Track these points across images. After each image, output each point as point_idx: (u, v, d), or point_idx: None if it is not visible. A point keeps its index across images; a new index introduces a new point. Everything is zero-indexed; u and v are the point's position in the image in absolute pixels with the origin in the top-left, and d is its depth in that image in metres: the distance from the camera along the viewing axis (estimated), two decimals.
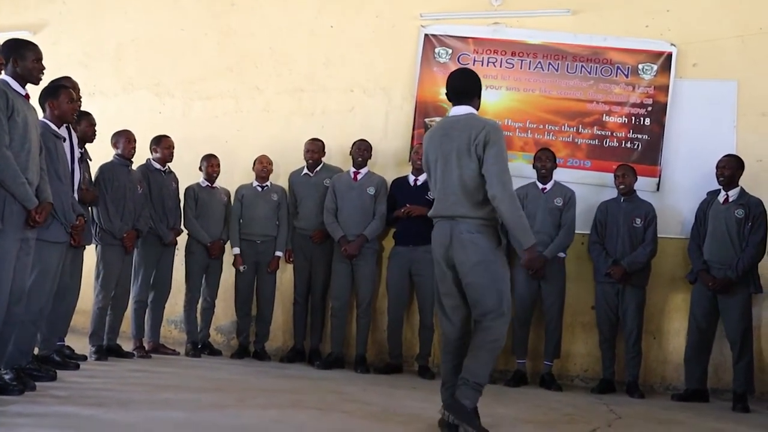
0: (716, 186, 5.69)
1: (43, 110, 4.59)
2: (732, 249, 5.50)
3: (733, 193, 5.59)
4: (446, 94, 4.03)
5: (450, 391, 3.82)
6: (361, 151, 6.33)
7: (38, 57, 4.23)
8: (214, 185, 6.58)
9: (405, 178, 6.30)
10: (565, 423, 4.41)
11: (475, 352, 3.73)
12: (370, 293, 6.27)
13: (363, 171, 6.33)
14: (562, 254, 5.96)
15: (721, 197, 5.64)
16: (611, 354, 5.87)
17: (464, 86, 3.97)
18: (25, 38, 4.37)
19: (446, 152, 3.83)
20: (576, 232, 6.05)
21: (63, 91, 4.65)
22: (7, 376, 4.16)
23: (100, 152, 5.94)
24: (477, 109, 3.96)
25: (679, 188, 6.14)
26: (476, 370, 3.69)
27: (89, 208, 5.60)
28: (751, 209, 5.51)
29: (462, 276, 3.78)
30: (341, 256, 6.19)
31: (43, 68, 4.28)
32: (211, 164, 6.53)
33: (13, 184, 3.91)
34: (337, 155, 6.71)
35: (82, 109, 5.47)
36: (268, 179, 6.60)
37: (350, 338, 6.40)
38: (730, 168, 5.60)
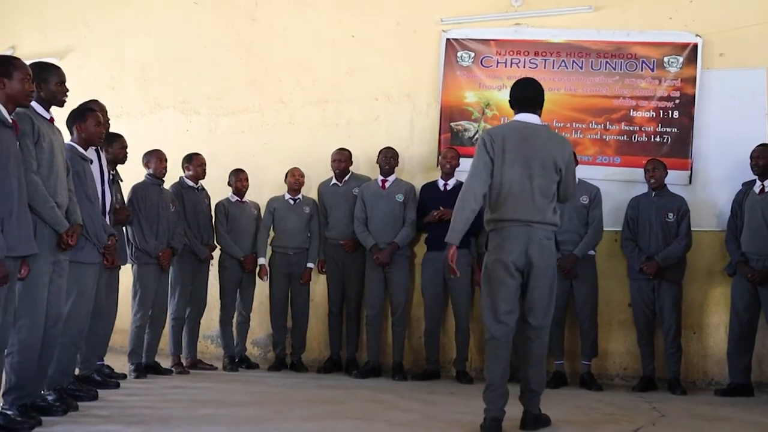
0: (750, 176, 5.61)
1: (71, 133, 4.64)
2: None
3: None
4: (510, 102, 4.14)
5: (499, 392, 3.87)
6: (388, 158, 6.33)
7: (61, 80, 4.25)
8: (243, 200, 6.62)
9: (434, 183, 6.29)
10: (608, 423, 4.36)
11: (538, 363, 4.02)
12: (404, 300, 6.26)
13: (391, 178, 6.34)
14: (591, 252, 5.91)
15: (757, 187, 5.55)
16: (650, 351, 5.80)
17: (533, 96, 4.10)
18: (46, 62, 4.38)
19: (527, 158, 3.93)
20: (608, 229, 6.00)
21: (90, 115, 4.70)
22: (50, 397, 4.22)
23: (130, 173, 6.00)
24: (540, 116, 4.12)
25: (712, 180, 6.07)
26: (541, 380, 4.03)
27: (123, 228, 5.66)
28: None
29: (533, 280, 3.93)
30: (374, 264, 6.19)
31: (67, 90, 4.29)
32: (239, 179, 6.57)
33: (42, 209, 3.94)
34: (365, 164, 6.72)
35: (113, 131, 5.54)
36: (300, 191, 6.63)
37: (386, 346, 6.39)
38: (765, 157, 5.52)
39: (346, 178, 6.53)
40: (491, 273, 3.96)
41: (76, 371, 4.89)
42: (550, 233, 3.99)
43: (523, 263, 3.92)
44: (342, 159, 6.51)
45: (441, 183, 6.24)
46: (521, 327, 4.03)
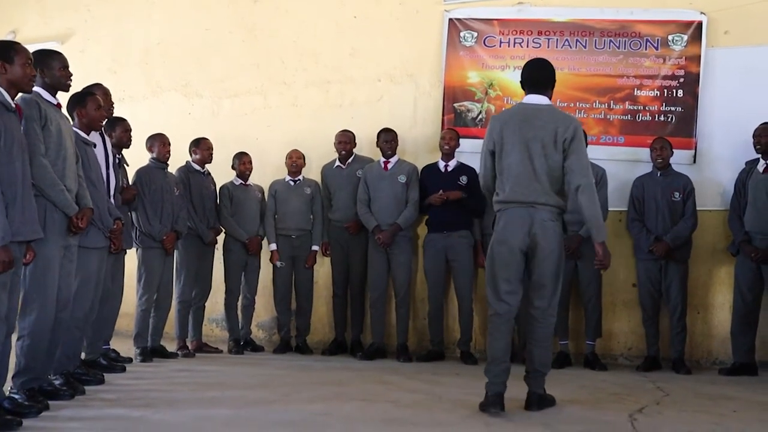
0: (754, 155, 5.59)
1: (72, 118, 4.64)
2: None
3: None
4: (521, 82, 4.15)
5: (502, 367, 3.91)
6: (388, 141, 6.30)
7: (64, 64, 4.27)
8: (247, 183, 6.61)
9: (435, 165, 6.27)
10: (613, 402, 4.37)
11: (542, 343, 4.03)
12: (407, 282, 6.26)
13: (393, 160, 6.32)
14: None
15: (761, 166, 5.53)
16: (655, 331, 5.81)
17: (542, 76, 4.11)
18: (48, 48, 4.40)
19: (527, 139, 3.94)
20: (612, 209, 5.99)
21: (90, 99, 4.69)
22: (57, 382, 4.25)
23: (135, 157, 6.00)
24: (550, 99, 4.11)
25: (717, 159, 6.04)
26: (546, 361, 4.05)
27: (128, 212, 5.67)
28: None
29: (537, 262, 3.94)
30: (376, 246, 6.19)
31: (71, 75, 4.32)
32: (243, 162, 6.56)
33: (52, 192, 3.96)
34: (368, 146, 6.70)
35: (116, 114, 5.54)
36: (300, 173, 6.62)
37: (391, 328, 6.40)
38: (767, 136, 5.49)
39: (350, 160, 6.52)
40: (495, 253, 3.99)
41: (83, 355, 4.92)
42: (556, 215, 3.98)
43: (527, 244, 3.94)
44: (346, 141, 6.50)
45: (441, 164, 6.23)
46: (527, 307, 4.05)
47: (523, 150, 3.94)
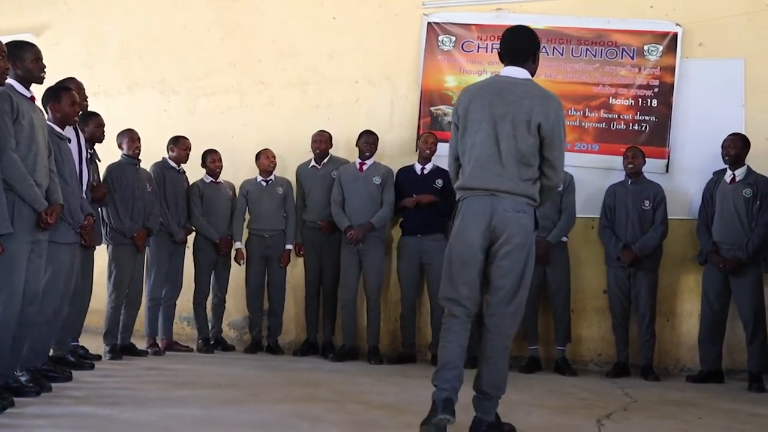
0: (724, 166, 5.66)
1: (46, 112, 4.59)
2: (741, 229, 5.47)
3: (739, 173, 5.56)
4: (499, 54, 3.63)
5: (453, 372, 3.32)
6: (369, 144, 6.30)
7: (37, 56, 4.21)
8: (218, 181, 6.58)
9: (411, 168, 6.29)
10: (581, 408, 4.40)
11: (493, 360, 3.38)
12: (379, 284, 6.27)
13: (369, 162, 6.32)
14: (564, 239, 5.95)
15: (728, 177, 5.60)
16: (624, 337, 5.86)
17: (521, 46, 3.56)
18: (21, 39, 4.33)
19: (497, 116, 3.38)
20: (584, 216, 6.05)
21: (64, 93, 4.64)
22: (23, 378, 4.18)
23: (108, 152, 5.94)
24: (533, 74, 3.56)
25: (688, 169, 6.11)
26: (498, 382, 3.39)
27: (99, 208, 5.61)
28: (759, 188, 5.48)
29: (497, 259, 3.35)
30: (349, 246, 6.19)
31: (44, 67, 4.26)
32: (212, 159, 6.52)
33: (21, 187, 3.91)
34: (344, 147, 6.70)
35: (91, 110, 5.48)
36: (272, 173, 6.60)
37: (362, 329, 6.40)
38: (735, 147, 5.57)
39: (325, 160, 6.52)
40: (453, 250, 3.44)
41: (51, 352, 4.86)
42: (524, 206, 3.39)
43: (487, 239, 3.37)
44: (322, 140, 6.49)
45: (418, 167, 6.24)
46: (481, 313, 3.48)
47: (489, 128, 3.39)
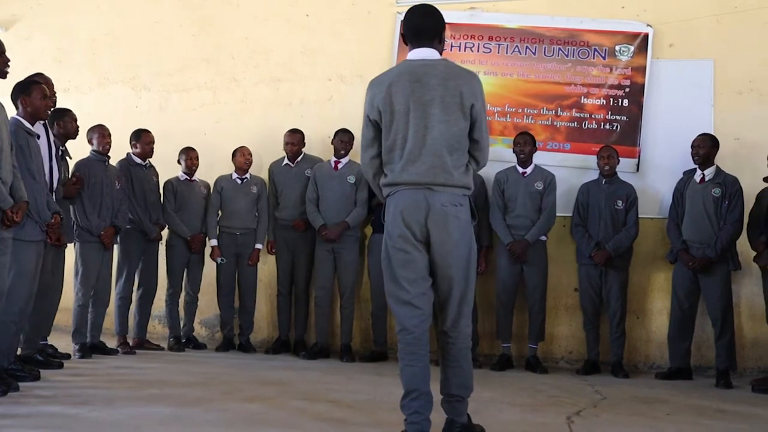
0: (694, 165, 5.72)
1: (16, 107, 4.53)
2: (710, 228, 5.54)
3: (709, 172, 5.63)
4: (403, 36, 3.39)
5: (421, 401, 3.14)
6: (344, 143, 6.29)
7: (0, 50, 4.16)
8: (193, 178, 6.54)
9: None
10: (551, 405, 4.43)
11: (459, 363, 3.24)
12: (353, 282, 6.27)
13: (344, 160, 6.31)
14: (543, 237, 5.98)
15: (697, 176, 5.67)
16: (595, 335, 5.90)
17: (425, 24, 3.31)
18: None
19: (423, 102, 3.17)
20: (557, 214, 6.07)
21: (35, 88, 4.59)
22: None
23: (78, 149, 5.88)
24: (440, 54, 3.33)
25: (658, 168, 6.17)
26: (467, 383, 3.26)
27: (71, 205, 5.55)
28: (727, 187, 5.54)
29: (439, 257, 3.17)
30: (323, 244, 6.18)
31: (8, 61, 4.19)
32: (189, 157, 6.49)
33: None
34: (318, 145, 6.68)
35: (62, 105, 5.42)
36: (248, 171, 6.57)
37: (335, 327, 6.40)
38: (705, 147, 5.63)
39: (299, 159, 6.50)
40: (390, 251, 3.21)
41: (19, 351, 4.80)
42: (461, 198, 3.20)
43: (425, 234, 3.16)
44: (294, 142, 6.46)
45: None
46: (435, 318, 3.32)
47: (418, 117, 3.16)
